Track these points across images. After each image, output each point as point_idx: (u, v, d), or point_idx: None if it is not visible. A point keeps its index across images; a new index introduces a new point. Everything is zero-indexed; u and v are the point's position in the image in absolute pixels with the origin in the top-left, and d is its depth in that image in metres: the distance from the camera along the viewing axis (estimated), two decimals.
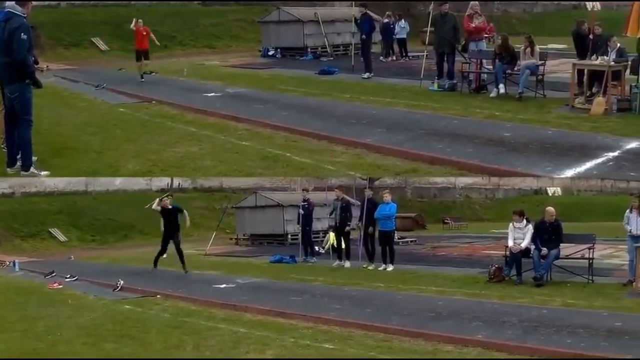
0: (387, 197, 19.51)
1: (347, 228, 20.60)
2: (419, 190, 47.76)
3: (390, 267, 19.04)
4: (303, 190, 26.66)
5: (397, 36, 29.85)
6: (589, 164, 12.93)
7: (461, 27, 20.51)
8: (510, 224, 16.59)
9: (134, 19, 25.99)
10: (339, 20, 31.32)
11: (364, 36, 23.52)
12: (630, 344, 10.42)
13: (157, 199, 21.55)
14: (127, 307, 15.24)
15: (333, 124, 16.00)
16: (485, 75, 19.98)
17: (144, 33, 25.42)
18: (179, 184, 37.45)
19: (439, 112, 16.92)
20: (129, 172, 13.82)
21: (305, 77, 23.83)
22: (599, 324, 11.60)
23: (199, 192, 38.61)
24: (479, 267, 18.36)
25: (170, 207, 20.78)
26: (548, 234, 15.91)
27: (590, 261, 16.01)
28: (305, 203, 22.84)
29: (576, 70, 17.84)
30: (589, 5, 20.86)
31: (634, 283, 15.12)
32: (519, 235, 16.23)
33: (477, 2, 20.62)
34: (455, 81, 19.97)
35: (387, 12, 30.21)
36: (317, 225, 25.63)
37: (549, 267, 15.98)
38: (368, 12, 24.14)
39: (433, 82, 20.11)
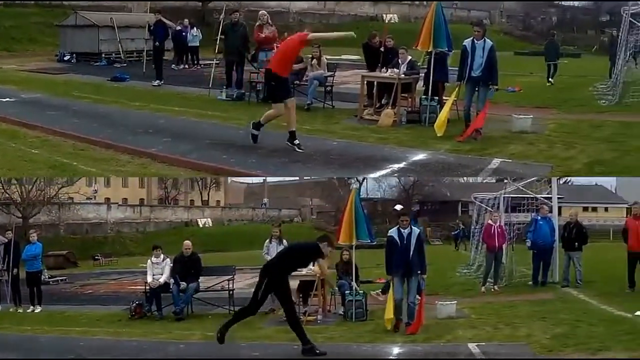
0: (33, 236, 18.89)
1: None
2: (72, 226, 47.98)
3: (38, 309, 18.17)
4: None
5: (190, 44, 29.72)
6: (372, 175, 13.04)
7: (251, 37, 20.44)
8: (149, 260, 16.47)
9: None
10: (134, 26, 31.06)
11: (157, 43, 23.12)
12: None
13: None
14: None
15: (121, 133, 15.74)
16: None
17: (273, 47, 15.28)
18: None
19: (227, 122, 16.79)
20: None
21: (98, 84, 23.73)
22: (237, 354, 11.40)
23: None
24: (124, 304, 17.83)
25: None
26: (187, 268, 15.83)
27: (231, 292, 16.07)
28: None
29: (366, 82, 18.04)
30: (387, 17, 21.15)
31: (275, 311, 14.93)
32: (158, 271, 16.11)
33: (265, 12, 20.51)
34: (243, 91, 19.92)
35: (179, 20, 29.94)
36: None
37: (189, 301, 15.78)
38: (162, 18, 23.75)
39: (221, 92, 19.93)
